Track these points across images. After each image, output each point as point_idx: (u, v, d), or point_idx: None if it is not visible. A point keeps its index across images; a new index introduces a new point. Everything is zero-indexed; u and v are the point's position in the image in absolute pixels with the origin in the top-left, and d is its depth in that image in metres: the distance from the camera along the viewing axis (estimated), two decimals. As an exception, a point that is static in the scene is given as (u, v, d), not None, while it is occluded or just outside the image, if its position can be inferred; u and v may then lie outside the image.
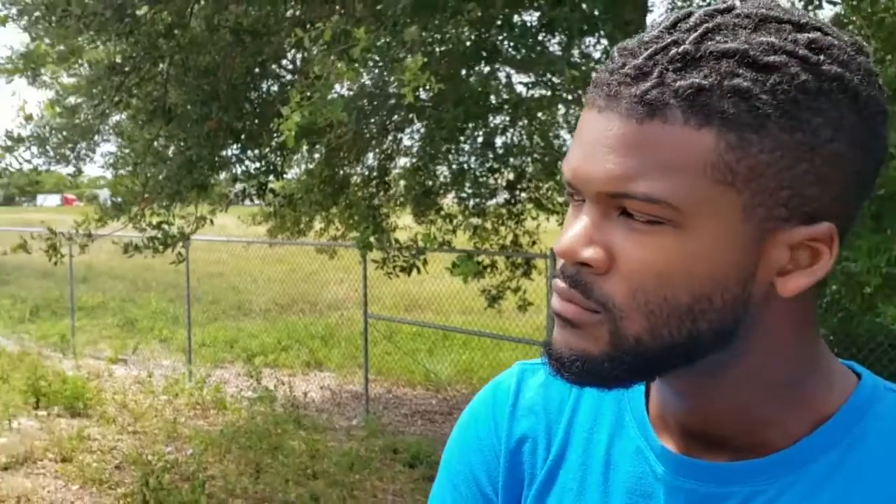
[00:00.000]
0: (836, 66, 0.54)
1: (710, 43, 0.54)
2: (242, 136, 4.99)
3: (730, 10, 0.57)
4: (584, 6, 3.86)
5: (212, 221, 5.54)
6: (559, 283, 0.60)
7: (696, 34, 0.55)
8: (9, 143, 4.37)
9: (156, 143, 4.85)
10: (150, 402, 7.17)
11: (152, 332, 10.68)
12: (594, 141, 0.57)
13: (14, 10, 3.91)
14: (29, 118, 4.55)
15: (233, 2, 3.86)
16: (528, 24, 4.01)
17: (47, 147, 4.52)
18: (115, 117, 5.01)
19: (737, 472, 0.62)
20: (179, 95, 4.60)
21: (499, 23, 3.60)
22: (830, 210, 0.55)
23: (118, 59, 4.24)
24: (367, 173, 6.61)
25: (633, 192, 0.54)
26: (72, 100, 4.90)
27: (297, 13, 4.78)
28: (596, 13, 3.81)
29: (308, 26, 3.59)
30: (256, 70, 4.92)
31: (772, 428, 0.62)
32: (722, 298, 0.56)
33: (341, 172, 6.28)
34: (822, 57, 0.54)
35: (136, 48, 4.05)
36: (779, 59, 0.53)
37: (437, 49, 3.73)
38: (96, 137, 4.91)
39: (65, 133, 4.59)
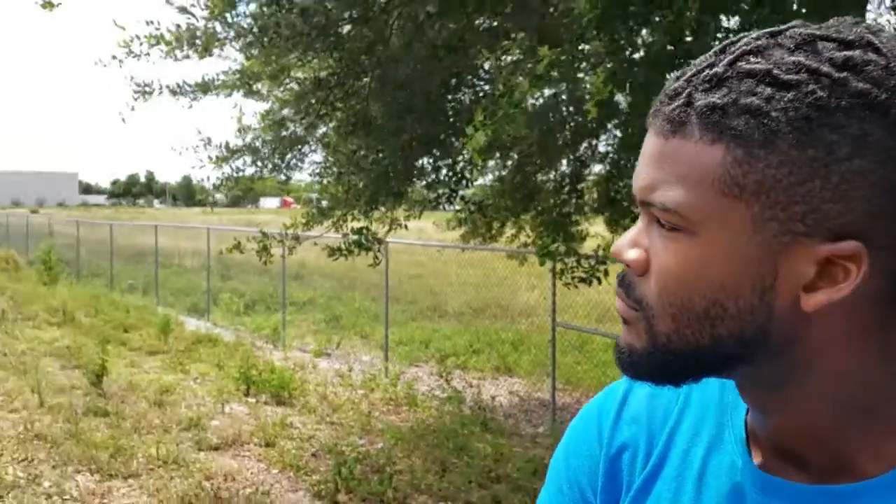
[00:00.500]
0: (862, 83, 0.53)
1: (740, 64, 0.57)
2: (435, 147, 5.14)
3: (780, 32, 0.59)
4: (793, 6, 3.61)
5: (406, 226, 5.76)
6: (616, 283, 0.66)
7: (731, 56, 0.58)
8: (226, 153, 4.80)
9: (357, 154, 5.11)
10: (348, 395, 7.55)
11: (354, 328, 11.24)
12: (641, 155, 0.63)
13: (231, 33, 4.27)
14: (244, 130, 4.98)
15: (429, 18, 3.99)
16: (727, 28, 3.81)
17: (260, 157, 4.91)
18: (321, 129, 5.33)
19: (823, 495, 0.62)
20: (379, 108, 4.82)
21: (693, 27, 3.45)
22: (858, 227, 0.55)
23: (323, 75, 4.51)
24: (559, 180, 6.56)
25: (653, 201, 0.60)
26: (283, 112, 5.28)
27: (494, 24, 4.83)
28: (804, 11, 3.55)
29: (500, 43, 3.64)
30: (453, 82, 5.05)
31: (862, 453, 0.61)
32: (736, 306, 0.58)
33: (533, 179, 6.28)
34: (847, 74, 0.54)
35: (340, 64, 4.29)
36: (798, 77, 0.54)
37: (626, 57, 3.64)
38: (304, 148, 5.25)
39: (275, 144, 4.96)
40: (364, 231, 5.36)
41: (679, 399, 0.76)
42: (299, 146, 5.23)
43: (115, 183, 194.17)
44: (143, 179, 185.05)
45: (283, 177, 5.37)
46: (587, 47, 3.35)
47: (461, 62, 4.77)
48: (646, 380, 0.65)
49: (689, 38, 3.65)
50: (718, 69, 0.57)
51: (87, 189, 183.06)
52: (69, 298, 13.13)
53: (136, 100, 5.15)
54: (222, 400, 7.00)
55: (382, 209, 5.59)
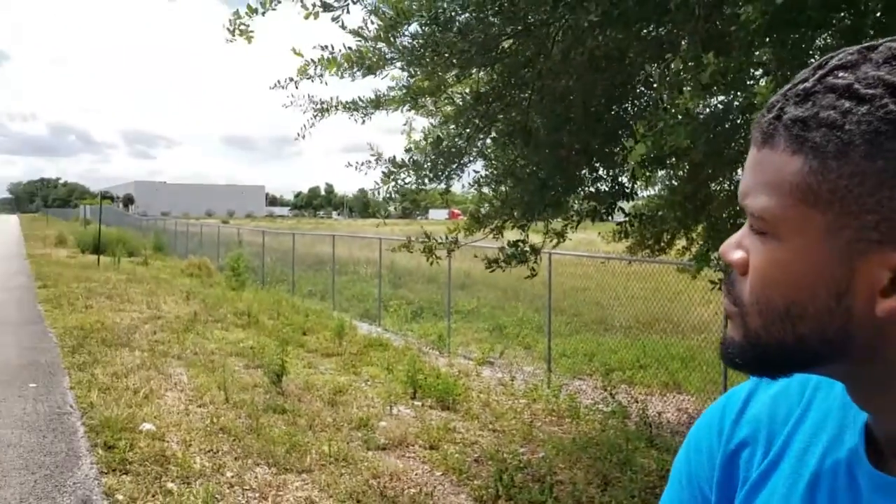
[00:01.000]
0: None
1: (828, 78, 0.60)
2: (595, 159, 5.08)
3: (875, 47, 0.61)
4: None
5: (563, 238, 5.73)
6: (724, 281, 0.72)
7: (823, 71, 0.61)
8: (393, 168, 5.01)
9: (515, 164, 5.15)
10: (510, 403, 7.60)
11: (517, 338, 11.28)
12: (746, 163, 0.68)
13: (395, 53, 4.44)
14: (414, 145, 5.17)
15: (591, 28, 3.96)
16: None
17: (422, 168, 5.07)
18: (481, 141, 5.42)
19: None
20: (538, 120, 4.83)
21: (871, 32, 3.21)
22: None
23: (483, 89, 4.60)
24: (733, 189, 6.28)
25: (744, 206, 0.66)
26: (444, 126, 5.42)
27: (657, 32, 4.72)
28: None
29: (664, 52, 3.55)
30: (616, 93, 4.97)
31: None
32: (814, 307, 0.62)
33: (706, 188, 6.05)
34: None
35: (501, 78, 4.35)
36: (875, 91, 0.57)
37: (800, 63, 3.44)
38: (464, 159, 5.37)
39: (435, 156, 5.11)
40: (520, 243, 5.39)
41: (802, 401, 0.79)
42: (459, 158, 5.35)
43: (297, 195, 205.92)
44: (322, 192, 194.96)
45: (442, 186, 5.50)
46: (758, 53, 3.20)
47: (623, 72, 4.68)
48: (744, 371, 0.70)
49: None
50: (808, 84, 0.61)
51: (272, 201, 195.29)
52: (254, 302, 14.07)
53: (315, 117, 5.46)
54: (390, 402, 7.25)
55: (541, 220, 5.59)
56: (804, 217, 0.61)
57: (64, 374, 8.27)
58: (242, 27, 4.98)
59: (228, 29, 4.92)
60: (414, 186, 5.18)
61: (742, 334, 0.68)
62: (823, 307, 0.61)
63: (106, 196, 40.98)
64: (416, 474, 5.52)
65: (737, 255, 0.67)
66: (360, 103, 5.22)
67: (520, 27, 4.22)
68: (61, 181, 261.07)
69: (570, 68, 4.38)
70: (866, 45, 0.61)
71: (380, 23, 4.41)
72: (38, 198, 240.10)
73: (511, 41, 4.25)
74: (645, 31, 4.51)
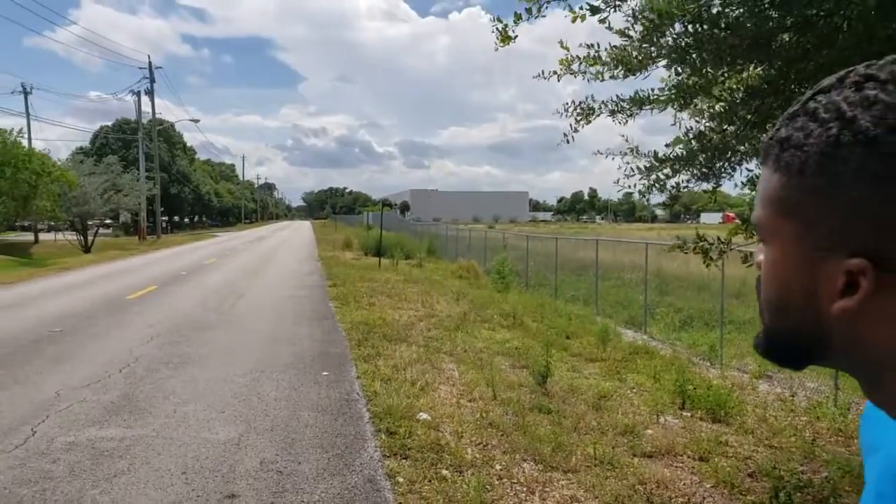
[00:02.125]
0: (866, 120, 0.61)
1: (809, 103, 0.67)
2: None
3: (850, 72, 0.66)
4: None
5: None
6: None
7: (807, 95, 0.69)
8: (655, 162, 4.91)
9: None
10: (789, 420, 7.10)
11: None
12: None
13: (658, 52, 4.36)
14: (676, 142, 5.03)
15: (878, 14, 3.60)
16: None
17: (687, 165, 4.91)
18: (754, 138, 5.15)
19: None
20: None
21: None
22: (868, 246, 0.63)
23: (755, 84, 4.36)
24: None
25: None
26: (710, 123, 5.21)
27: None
28: None
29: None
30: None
31: None
32: (795, 304, 0.70)
33: None
34: (858, 112, 0.62)
35: (777, 73, 4.10)
36: (828, 115, 0.64)
37: None
38: (734, 157, 5.12)
39: (699, 152, 4.92)
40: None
41: None
42: (726, 154, 5.11)
43: (560, 200, 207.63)
44: (586, 197, 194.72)
45: (710, 185, 5.28)
46: None
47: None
48: (770, 360, 0.77)
49: None
50: (796, 106, 0.69)
51: (535, 206, 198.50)
52: (519, 305, 14.44)
53: (578, 121, 5.52)
54: (657, 410, 7.10)
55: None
56: (780, 226, 0.70)
57: (351, 364, 9.08)
58: (508, 34, 5.16)
59: (497, 37, 5.13)
60: (676, 181, 5.04)
61: (762, 328, 0.76)
62: (801, 304, 0.70)
63: (386, 203, 44.15)
64: (683, 484, 5.36)
65: (757, 259, 0.77)
66: (624, 104, 5.20)
67: (798, 20, 3.96)
68: (347, 190, 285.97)
69: (859, 59, 4.01)
70: (845, 70, 0.67)
71: (644, 24, 4.37)
72: (327, 205, 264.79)
73: (788, 34, 4.00)
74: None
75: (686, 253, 5.76)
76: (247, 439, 6.13)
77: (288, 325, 12.31)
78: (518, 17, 4.97)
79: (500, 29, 5.10)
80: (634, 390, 8.16)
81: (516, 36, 5.17)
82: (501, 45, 5.17)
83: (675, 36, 4.39)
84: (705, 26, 3.98)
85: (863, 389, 0.73)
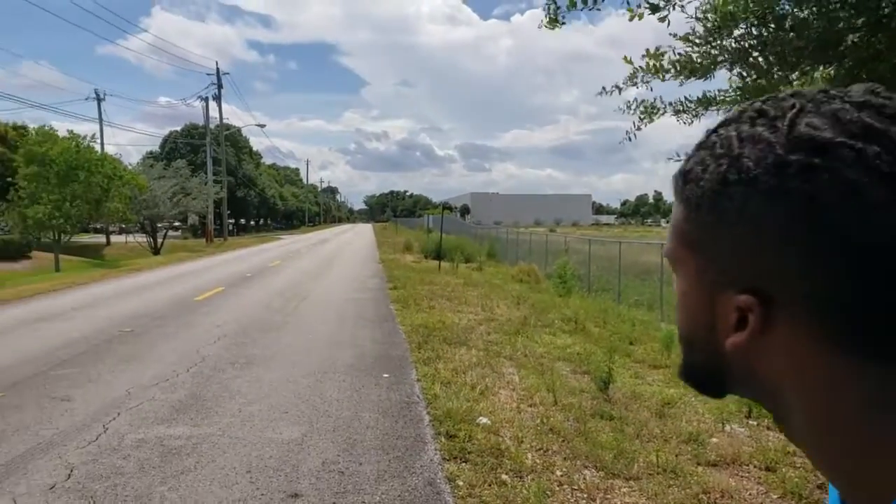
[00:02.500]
0: (748, 159, 0.61)
1: (712, 135, 0.67)
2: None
3: (751, 105, 0.66)
4: None
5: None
6: None
7: (714, 126, 0.68)
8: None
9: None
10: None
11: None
12: None
13: (721, 55, 4.29)
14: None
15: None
16: None
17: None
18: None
19: None
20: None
21: None
22: (757, 284, 0.62)
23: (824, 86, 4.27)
24: None
25: None
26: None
27: None
28: None
29: None
30: None
31: (848, 488, 0.64)
32: (698, 336, 0.70)
33: None
34: (743, 150, 0.62)
35: (847, 74, 3.98)
36: (721, 150, 0.64)
37: None
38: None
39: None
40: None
41: None
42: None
43: (624, 203, 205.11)
44: (651, 200, 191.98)
45: None
46: None
47: None
48: (694, 389, 0.76)
49: None
50: (704, 137, 0.68)
51: (598, 210, 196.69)
52: (580, 309, 14.32)
53: (642, 119, 5.45)
54: (722, 419, 6.96)
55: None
56: (685, 258, 0.69)
57: (411, 367, 9.14)
58: (557, 18, 5.11)
59: (545, 18, 5.08)
60: None
61: (681, 356, 0.76)
62: (704, 337, 0.69)
63: (446, 206, 44.30)
64: (749, 494, 5.24)
65: (673, 287, 0.75)
66: (690, 104, 5.11)
67: (871, 19, 3.84)
68: (407, 193, 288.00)
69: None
70: (754, 100, 0.66)
71: (706, 26, 4.30)
72: (388, 208, 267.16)
73: (858, 35, 3.89)
74: None
75: None
76: (309, 439, 6.22)
77: (349, 328, 12.46)
78: (572, 4, 4.93)
79: (552, 11, 5.05)
80: (699, 398, 8.01)
81: (564, 22, 5.12)
82: (548, 27, 5.11)
83: (737, 38, 4.31)
84: (770, 28, 3.90)
85: (774, 421, 0.71)
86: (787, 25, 3.92)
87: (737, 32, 4.22)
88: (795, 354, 0.62)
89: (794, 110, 0.61)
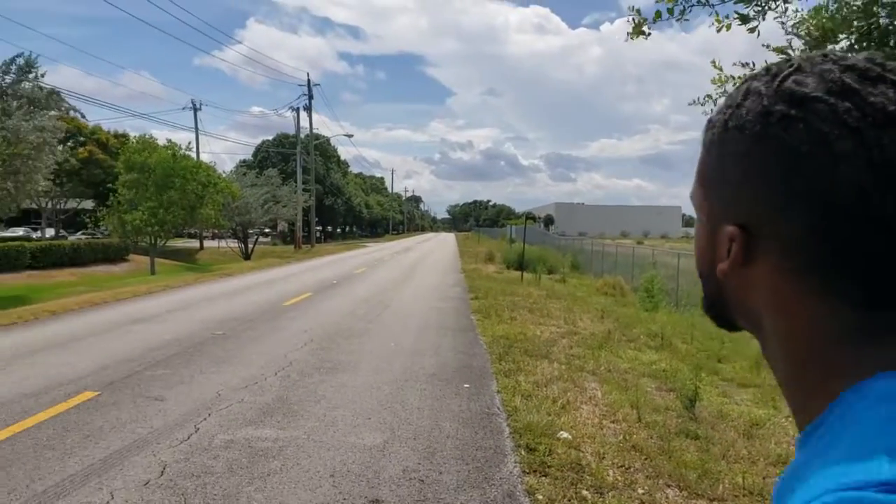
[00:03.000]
0: (744, 109, 0.69)
1: (734, 89, 0.74)
2: None
3: (777, 64, 0.72)
4: None
5: None
6: None
7: (741, 81, 0.75)
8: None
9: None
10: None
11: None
12: None
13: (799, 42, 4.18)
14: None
15: None
16: None
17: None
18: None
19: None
20: None
21: None
22: (743, 218, 0.69)
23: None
24: None
25: None
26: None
27: None
28: None
29: None
30: None
31: (802, 411, 0.70)
32: (706, 271, 0.77)
33: None
34: (742, 101, 0.70)
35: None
36: (730, 101, 0.72)
37: None
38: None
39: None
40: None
41: None
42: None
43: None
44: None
45: None
46: None
47: None
48: (713, 322, 0.82)
49: None
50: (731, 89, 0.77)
51: (688, 222, 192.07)
52: (667, 325, 14.03)
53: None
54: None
55: None
56: (700, 197, 0.76)
57: (492, 378, 9.15)
58: (643, 29, 5.05)
59: (630, 28, 5.03)
60: None
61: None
62: (708, 270, 0.76)
63: (529, 216, 44.19)
64: None
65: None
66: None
67: None
68: (491, 203, 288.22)
69: None
70: (780, 61, 0.71)
71: (806, 40, 4.18)
72: (471, 217, 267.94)
73: None
74: None
75: None
76: (391, 446, 6.31)
77: (431, 336, 12.56)
78: (658, 15, 4.86)
79: (636, 21, 4.99)
80: (789, 419, 7.74)
81: (649, 33, 5.05)
82: (632, 37, 5.06)
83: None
84: (874, 43, 3.76)
85: (762, 354, 0.77)
86: (892, 42, 3.78)
87: (839, 46, 4.09)
88: (771, 288, 0.69)
89: (790, 69, 0.68)
